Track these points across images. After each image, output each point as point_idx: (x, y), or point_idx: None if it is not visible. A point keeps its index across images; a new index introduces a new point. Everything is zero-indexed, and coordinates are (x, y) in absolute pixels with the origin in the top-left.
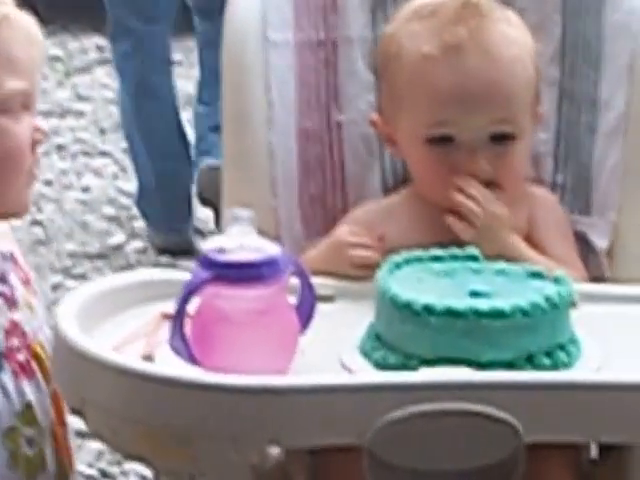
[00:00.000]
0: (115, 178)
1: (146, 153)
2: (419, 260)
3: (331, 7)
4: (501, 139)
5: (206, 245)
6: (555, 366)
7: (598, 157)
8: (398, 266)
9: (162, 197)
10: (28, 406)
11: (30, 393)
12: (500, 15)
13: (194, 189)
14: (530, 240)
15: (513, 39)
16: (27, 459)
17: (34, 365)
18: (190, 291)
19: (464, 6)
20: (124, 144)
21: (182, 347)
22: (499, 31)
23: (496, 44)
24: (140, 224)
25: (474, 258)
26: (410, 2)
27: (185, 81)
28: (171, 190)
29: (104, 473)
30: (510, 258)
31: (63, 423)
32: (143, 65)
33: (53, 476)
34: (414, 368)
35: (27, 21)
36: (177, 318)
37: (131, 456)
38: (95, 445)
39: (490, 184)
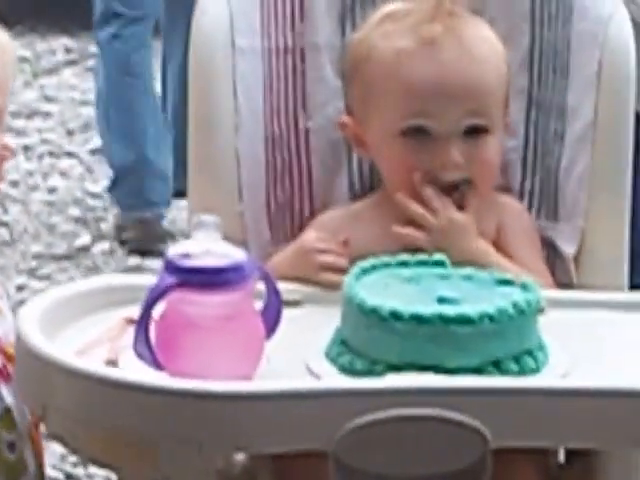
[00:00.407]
0: (82, 179)
1: (125, 134)
2: (386, 266)
3: (299, 14)
4: (475, 132)
5: (172, 250)
6: (522, 372)
7: (565, 164)
8: (365, 272)
9: (138, 179)
10: (7, 410)
11: (8, 397)
12: (472, 19)
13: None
14: (498, 247)
15: (486, 38)
16: (8, 464)
17: (10, 368)
18: (155, 296)
19: (438, 6)
20: (91, 145)
21: (146, 352)
22: (473, 29)
23: (471, 40)
24: (107, 225)
25: (441, 264)
26: (379, 9)
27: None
28: (149, 171)
29: (69, 475)
30: (476, 264)
31: (38, 425)
32: (127, 45)
33: (34, 478)
34: (381, 374)
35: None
36: (142, 323)
37: (96, 461)
38: (59, 447)
39: (463, 183)
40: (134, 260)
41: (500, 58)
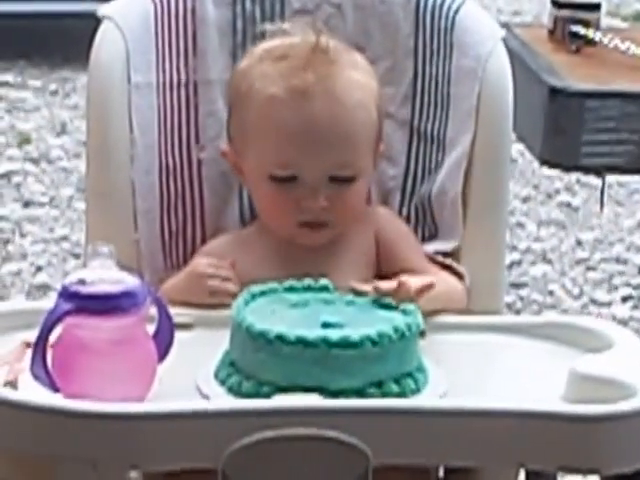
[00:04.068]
0: None
1: None
2: (274, 291)
3: (192, 50)
4: (341, 180)
5: (68, 278)
6: (403, 393)
7: (437, 191)
8: (253, 297)
9: None
10: None
11: None
12: (347, 59)
13: None
14: (381, 253)
15: (358, 84)
16: None
17: None
18: (52, 322)
19: (314, 51)
20: (1, 169)
21: (43, 374)
22: (345, 77)
23: (342, 90)
24: (14, 247)
25: (326, 289)
26: (263, 42)
27: (60, 110)
28: None
29: None
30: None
31: None
32: None
33: None
34: (268, 395)
35: None
36: (39, 346)
37: None
38: None
39: (322, 225)
40: (41, 278)
41: (372, 102)
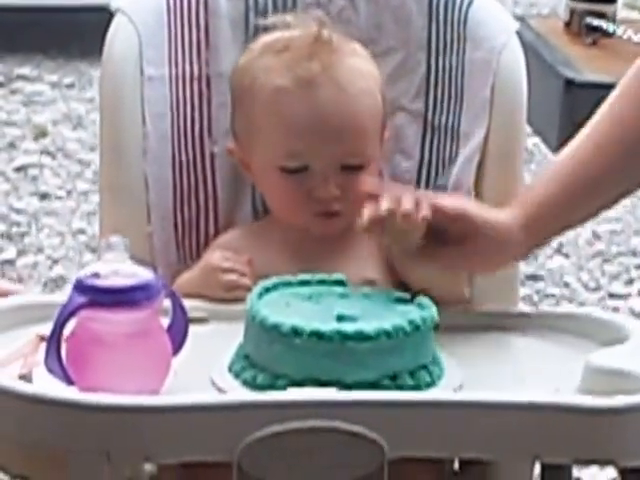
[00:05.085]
0: (7, 196)
1: None
2: (288, 285)
3: (204, 43)
4: (350, 169)
5: (82, 271)
6: (418, 386)
7: (453, 184)
8: (267, 290)
9: None
10: None
11: None
12: (349, 48)
13: None
14: None
15: (362, 72)
16: None
17: None
18: (66, 315)
19: (316, 41)
20: (16, 163)
21: (57, 368)
22: (349, 65)
23: (347, 78)
24: (30, 240)
25: (341, 283)
26: (262, 36)
27: (77, 103)
28: None
29: None
30: None
31: None
32: None
33: None
34: (282, 388)
35: None
36: (53, 340)
37: (7, 472)
38: None
39: (335, 214)
40: (56, 272)
41: (376, 89)
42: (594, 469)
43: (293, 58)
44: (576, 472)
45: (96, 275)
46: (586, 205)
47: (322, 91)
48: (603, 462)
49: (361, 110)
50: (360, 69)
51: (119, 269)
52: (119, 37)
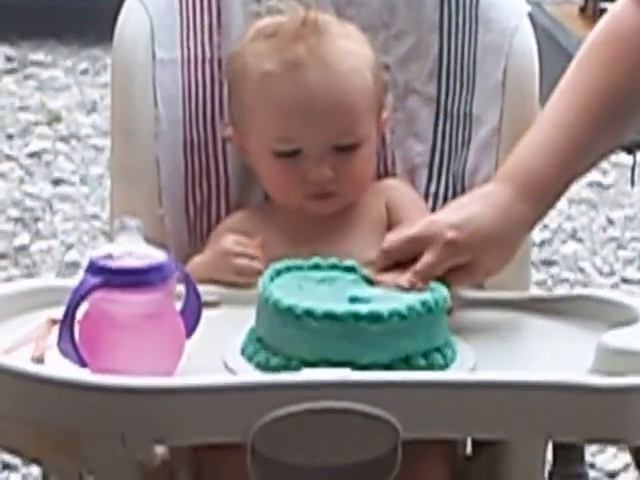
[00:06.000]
0: (21, 182)
1: None
2: (299, 268)
3: (216, 26)
4: (344, 149)
5: (95, 252)
6: (431, 368)
7: (470, 169)
8: (279, 273)
9: None
10: None
11: None
12: (338, 30)
13: None
14: (392, 223)
15: (350, 52)
16: None
17: None
18: (79, 296)
19: (303, 24)
20: (29, 149)
21: (71, 350)
22: (337, 45)
23: (333, 58)
24: (44, 225)
25: (352, 270)
26: (256, 22)
27: (91, 89)
28: None
29: (6, 465)
30: None
31: None
32: None
33: None
34: (295, 369)
35: None
36: (66, 321)
37: (21, 454)
38: None
39: (330, 195)
40: (70, 257)
41: (366, 69)
42: (609, 454)
43: (280, 42)
44: (590, 457)
45: (109, 256)
46: (587, 154)
47: (309, 72)
48: (615, 441)
49: (349, 89)
50: (348, 49)
51: (132, 250)
52: (131, 21)
